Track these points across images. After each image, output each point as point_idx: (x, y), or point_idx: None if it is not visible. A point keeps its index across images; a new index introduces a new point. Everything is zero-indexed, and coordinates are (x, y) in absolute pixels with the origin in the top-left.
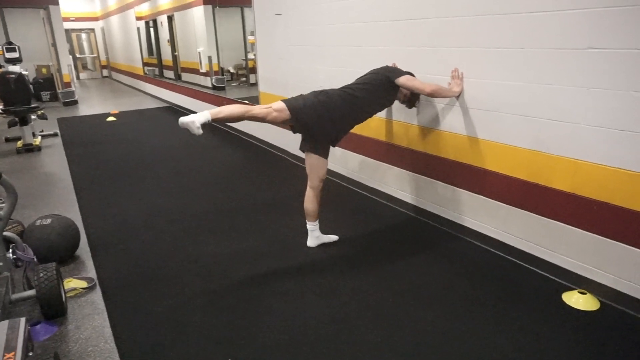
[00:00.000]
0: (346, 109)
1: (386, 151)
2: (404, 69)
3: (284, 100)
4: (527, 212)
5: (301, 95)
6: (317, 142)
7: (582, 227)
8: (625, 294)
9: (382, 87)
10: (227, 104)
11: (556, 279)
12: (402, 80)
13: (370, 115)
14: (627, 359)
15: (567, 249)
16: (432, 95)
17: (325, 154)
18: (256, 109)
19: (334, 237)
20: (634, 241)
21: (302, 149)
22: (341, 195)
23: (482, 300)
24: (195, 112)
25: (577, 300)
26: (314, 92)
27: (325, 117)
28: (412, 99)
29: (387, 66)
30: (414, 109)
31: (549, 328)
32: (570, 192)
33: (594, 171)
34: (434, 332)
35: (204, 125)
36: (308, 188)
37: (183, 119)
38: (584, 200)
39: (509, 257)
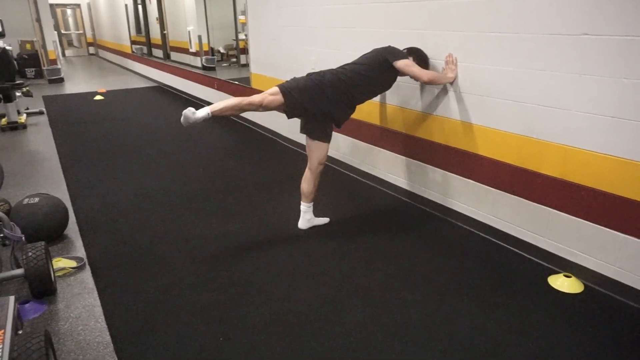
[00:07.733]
0: (341, 87)
1: (378, 135)
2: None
3: (278, 85)
4: (516, 197)
5: (294, 78)
6: (315, 125)
7: (569, 212)
8: (608, 277)
9: (381, 68)
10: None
11: (542, 263)
12: (400, 64)
13: (372, 96)
14: (609, 339)
15: (553, 233)
16: (428, 83)
17: (323, 138)
18: (252, 97)
19: (325, 220)
20: (618, 226)
21: (302, 131)
22: (332, 178)
23: (470, 283)
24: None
25: (562, 283)
26: (308, 74)
27: (318, 96)
28: None
29: (389, 47)
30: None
31: (534, 310)
32: (559, 178)
33: (584, 157)
34: (422, 314)
35: (202, 117)
36: (307, 169)
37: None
38: (572, 186)
39: (496, 241)
